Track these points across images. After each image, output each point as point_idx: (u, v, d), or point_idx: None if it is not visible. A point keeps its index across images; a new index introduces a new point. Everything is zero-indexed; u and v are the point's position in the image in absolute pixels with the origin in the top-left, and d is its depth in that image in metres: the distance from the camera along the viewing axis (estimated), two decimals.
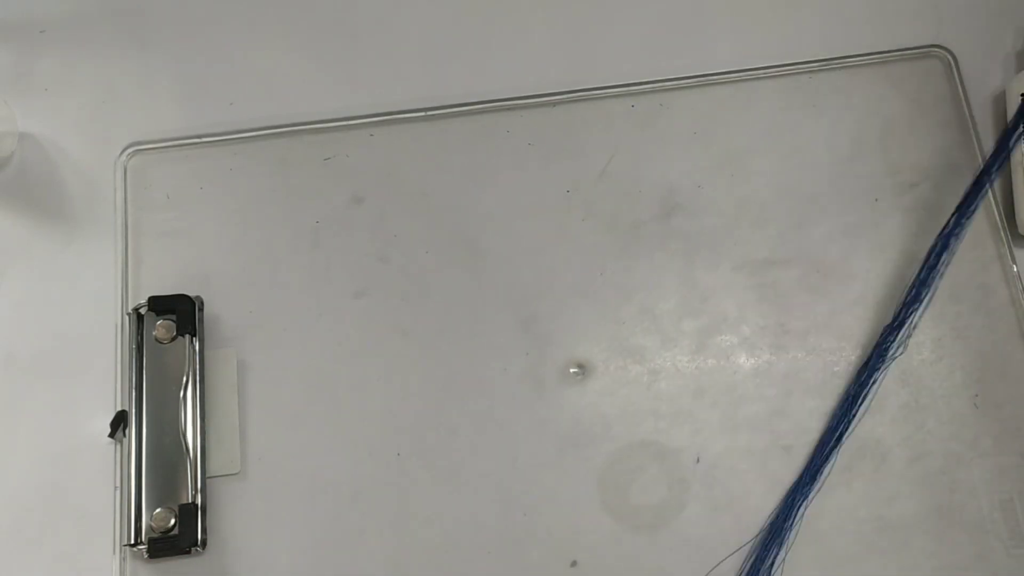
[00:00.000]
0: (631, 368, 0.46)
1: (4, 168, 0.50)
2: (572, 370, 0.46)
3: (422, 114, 0.50)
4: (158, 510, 0.42)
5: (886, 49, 0.51)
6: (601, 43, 0.52)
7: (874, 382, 0.43)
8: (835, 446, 0.42)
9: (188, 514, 0.42)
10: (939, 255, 0.44)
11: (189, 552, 0.42)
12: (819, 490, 0.42)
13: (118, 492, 0.43)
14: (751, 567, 0.41)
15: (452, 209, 0.48)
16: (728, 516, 0.43)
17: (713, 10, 0.52)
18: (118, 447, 0.44)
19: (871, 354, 0.43)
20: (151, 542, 0.42)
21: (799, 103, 0.50)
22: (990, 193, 0.48)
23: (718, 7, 0.53)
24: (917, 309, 0.43)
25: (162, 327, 0.45)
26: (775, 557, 0.42)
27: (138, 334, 0.45)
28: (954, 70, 0.50)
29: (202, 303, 0.46)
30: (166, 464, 0.43)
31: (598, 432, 0.45)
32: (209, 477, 0.43)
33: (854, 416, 0.43)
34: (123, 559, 0.43)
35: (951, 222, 0.44)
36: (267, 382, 0.46)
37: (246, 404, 0.45)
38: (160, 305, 0.45)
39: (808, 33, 0.52)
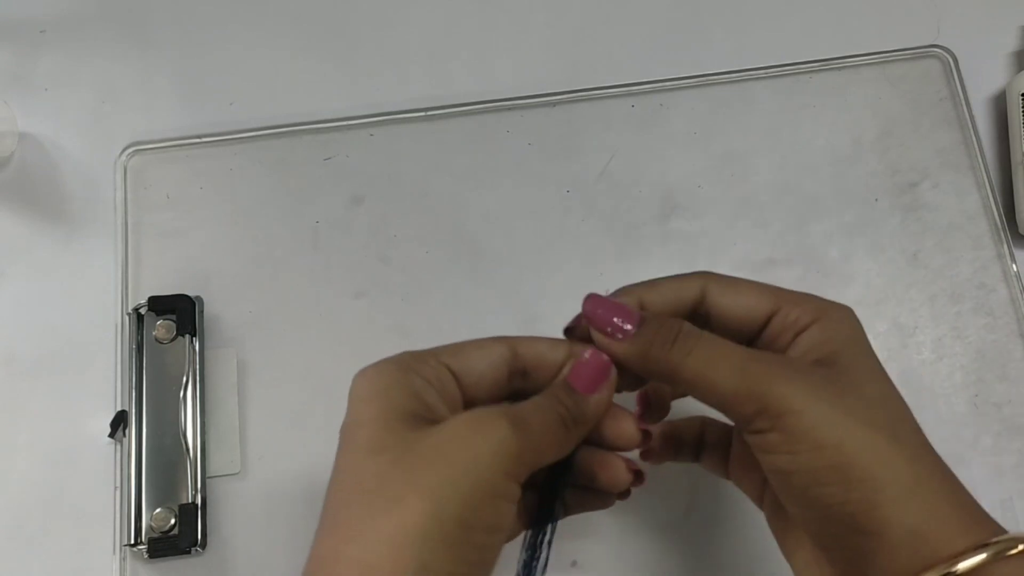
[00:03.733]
0: None
1: (4, 168, 0.50)
2: None
3: (422, 114, 0.50)
4: (158, 510, 0.42)
5: (885, 49, 0.51)
6: (601, 43, 0.52)
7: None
8: None
9: (188, 514, 0.42)
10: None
11: (189, 552, 0.42)
12: None
13: (118, 492, 0.43)
14: None
15: (452, 209, 0.48)
16: (728, 517, 0.43)
17: (713, 10, 0.52)
18: (118, 447, 0.44)
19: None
20: (151, 542, 0.42)
21: (799, 103, 0.50)
22: (990, 193, 0.48)
23: (718, 7, 0.53)
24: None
25: (162, 327, 0.45)
26: None
27: (138, 334, 0.45)
28: (954, 70, 0.50)
29: (202, 303, 0.46)
30: (166, 464, 0.43)
31: None
32: (209, 477, 0.43)
33: None
34: (123, 559, 0.43)
35: None
36: (267, 382, 0.46)
37: (246, 404, 0.45)
38: (160, 305, 0.45)
39: (808, 33, 0.52)
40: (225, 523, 0.43)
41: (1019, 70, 0.50)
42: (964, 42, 0.50)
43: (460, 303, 0.47)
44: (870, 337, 0.32)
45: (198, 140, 0.50)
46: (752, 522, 0.43)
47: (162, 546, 0.42)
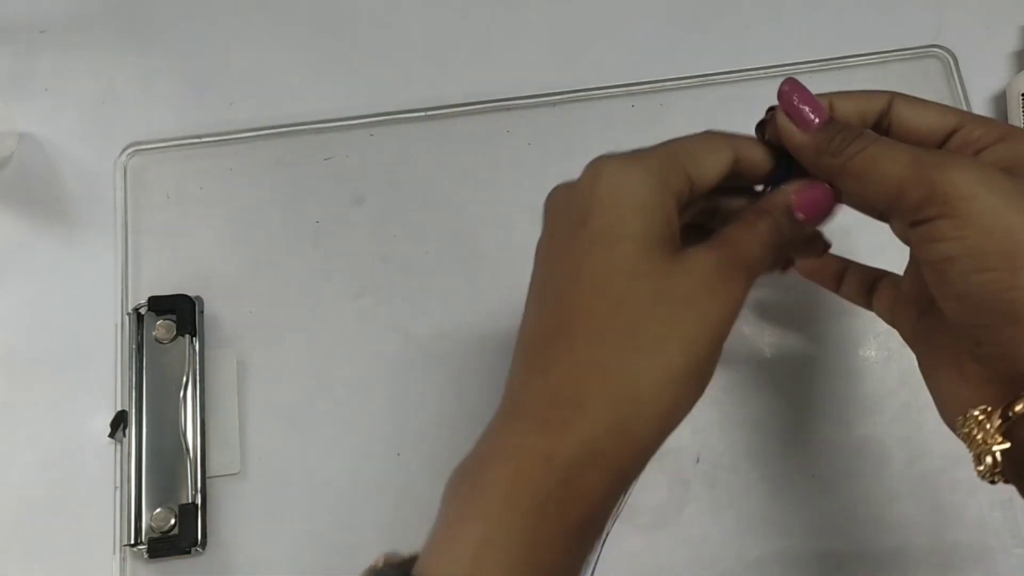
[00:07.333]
0: None
1: (4, 168, 0.50)
2: None
3: (422, 114, 0.50)
4: (158, 510, 0.42)
5: (885, 49, 0.51)
6: (601, 43, 0.52)
7: None
8: None
9: (188, 514, 0.42)
10: None
11: (189, 552, 0.42)
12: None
13: (118, 492, 0.43)
14: None
15: (452, 209, 0.48)
16: (728, 516, 0.43)
17: (713, 10, 0.52)
18: (118, 447, 0.44)
19: None
20: (151, 542, 0.42)
21: None
22: None
23: (718, 7, 0.53)
24: None
25: (162, 327, 0.45)
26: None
27: (138, 334, 0.45)
28: (954, 70, 0.50)
29: (202, 303, 0.46)
30: (166, 464, 0.43)
31: None
32: (209, 477, 0.43)
33: None
34: (123, 559, 0.43)
35: None
36: (267, 382, 0.46)
37: (246, 404, 0.45)
38: (160, 305, 0.45)
39: (808, 33, 0.52)
40: (225, 523, 0.43)
41: (1019, 70, 0.50)
42: (964, 42, 0.50)
43: (460, 303, 0.47)
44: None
45: (198, 140, 0.50)
46: (747, 520, 0.43)
47: (162, 546, 0.42)
